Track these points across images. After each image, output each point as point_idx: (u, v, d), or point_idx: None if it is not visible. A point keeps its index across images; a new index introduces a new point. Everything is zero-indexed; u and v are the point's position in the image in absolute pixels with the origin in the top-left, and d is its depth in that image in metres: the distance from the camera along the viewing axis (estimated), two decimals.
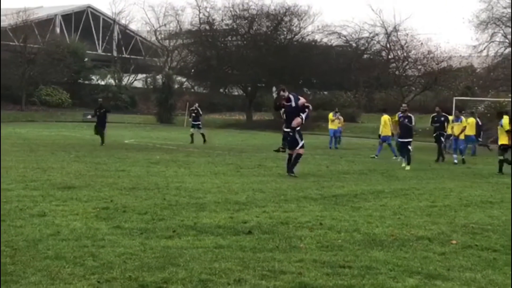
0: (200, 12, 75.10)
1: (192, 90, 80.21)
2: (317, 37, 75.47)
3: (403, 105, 26.56)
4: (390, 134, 30.20)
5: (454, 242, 10.10)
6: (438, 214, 12.85)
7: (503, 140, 23.54)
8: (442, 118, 30.37)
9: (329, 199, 14.62)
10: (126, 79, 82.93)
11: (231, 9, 72.43)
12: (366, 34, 74.76)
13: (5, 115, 60.81)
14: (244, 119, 71.43)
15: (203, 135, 36.32)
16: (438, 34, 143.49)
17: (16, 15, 72.42)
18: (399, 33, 70.26)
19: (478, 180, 20.72)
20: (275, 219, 11.63)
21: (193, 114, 37.71)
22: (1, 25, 73.53)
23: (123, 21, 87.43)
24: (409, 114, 25.24)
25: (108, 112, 33.89)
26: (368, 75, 67.44)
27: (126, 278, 7.52)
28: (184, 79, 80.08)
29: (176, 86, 76.19)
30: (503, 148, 23.55)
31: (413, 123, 25.43)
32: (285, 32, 73.63)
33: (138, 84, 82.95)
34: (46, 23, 78.47)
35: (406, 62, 69.49)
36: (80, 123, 61.09)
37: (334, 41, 76.34)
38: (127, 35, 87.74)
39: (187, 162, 23.33)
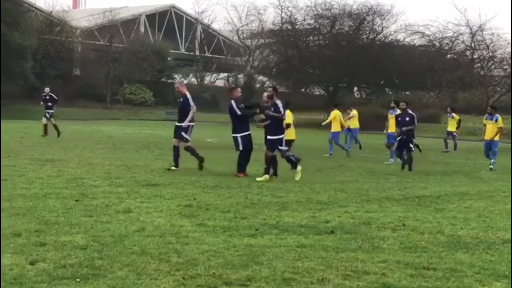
0: (282, 12, 75.33)
1: None
2: (400, 36, 74.92)
3: (268, 89, 17.25)
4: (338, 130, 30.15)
5: None
6: None
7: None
8: (407, 118, 23.12)
9: (412, 200, 14.47)
10: (208, 78, 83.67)
11: (313, 8, 72.44)
12: (450, 34, 73.70)
13: (90, 113, 62.18)
14: (326, 119, 71.12)
15: (55, 126, 31.77)
16: None
17: (102, 15, 74.04)
18: (484, 33, 69.07)
19: None
20: (357, 219, 11.58)
21: (47, 103, 32.54)
22: (88, 26, 75.27)
23: (205, 21, 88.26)
24: (276, 101, 17.76)
25: None
26: (451, 75, 66.42)
27: (210, 275, 7.59)
28: (265, 79, 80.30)
29: (257, 86, 76.50)
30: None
31: (281, 111, 17.71)
32: (367, 32, 73.19)
33: (220, 83, 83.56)
34: (130, 23, 79.85)
35: (492, 62, 68.33)
36: (163, 121, 61.88)
37: (417, 40, 75.63)
38: (209, 35, 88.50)
39: None
